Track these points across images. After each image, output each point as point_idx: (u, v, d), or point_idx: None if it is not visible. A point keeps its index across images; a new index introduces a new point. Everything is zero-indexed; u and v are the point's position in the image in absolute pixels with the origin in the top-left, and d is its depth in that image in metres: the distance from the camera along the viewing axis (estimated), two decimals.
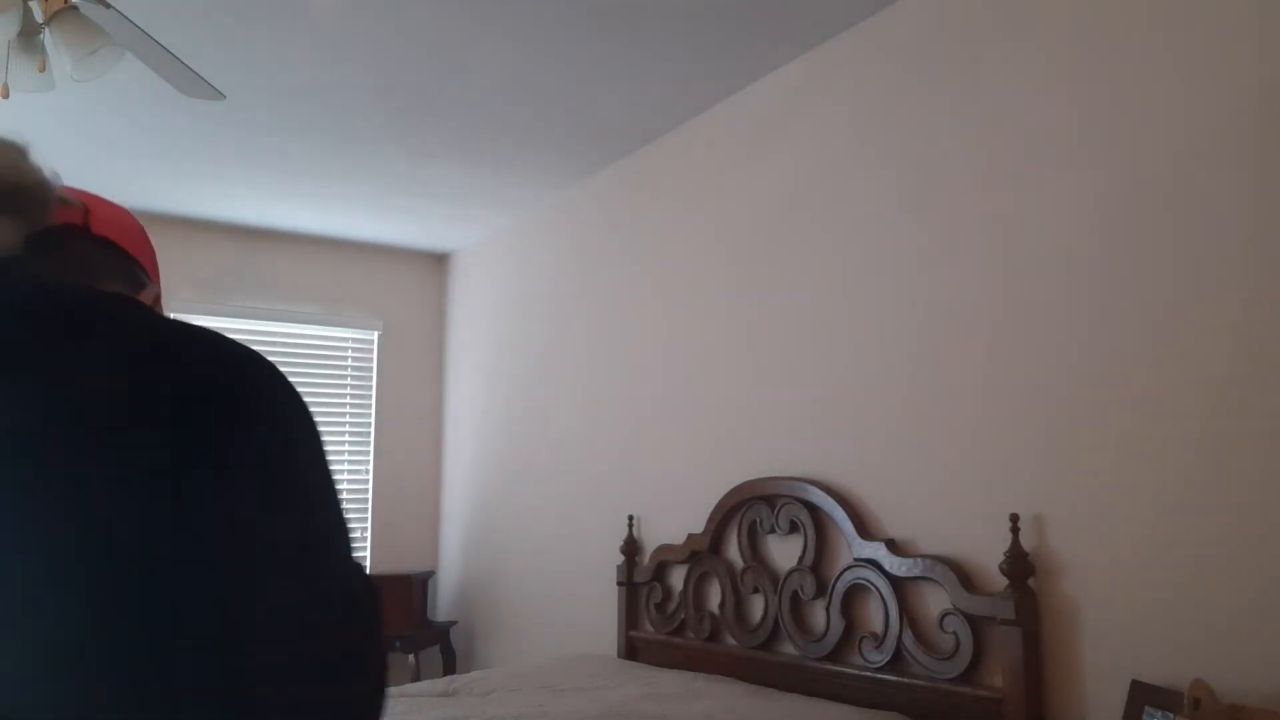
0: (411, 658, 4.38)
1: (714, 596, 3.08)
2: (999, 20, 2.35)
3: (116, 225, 0.99)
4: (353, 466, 5.07)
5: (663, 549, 3.29)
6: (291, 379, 0.90)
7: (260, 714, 0.73)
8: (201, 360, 0.82)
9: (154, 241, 1.10)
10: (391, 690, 2.88)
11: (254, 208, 4.50)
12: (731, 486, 3.01)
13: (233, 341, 0.84)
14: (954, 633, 2.24)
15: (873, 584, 2.46)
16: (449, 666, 4.53)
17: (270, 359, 0.88)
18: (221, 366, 0.83)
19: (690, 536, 3.16)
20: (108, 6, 2.04)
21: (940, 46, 2.50)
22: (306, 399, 0.89)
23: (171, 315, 1.02)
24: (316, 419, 0.88)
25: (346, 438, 5.06)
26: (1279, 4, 1.81)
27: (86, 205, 0.96)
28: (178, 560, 0.74)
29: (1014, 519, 2.11)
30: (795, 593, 2.70)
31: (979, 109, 2.38)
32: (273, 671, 0.74)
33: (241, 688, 0.72)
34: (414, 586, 4.55)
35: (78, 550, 0.74)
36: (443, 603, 5.09)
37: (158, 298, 1.03)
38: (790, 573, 2.72)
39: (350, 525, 0.83)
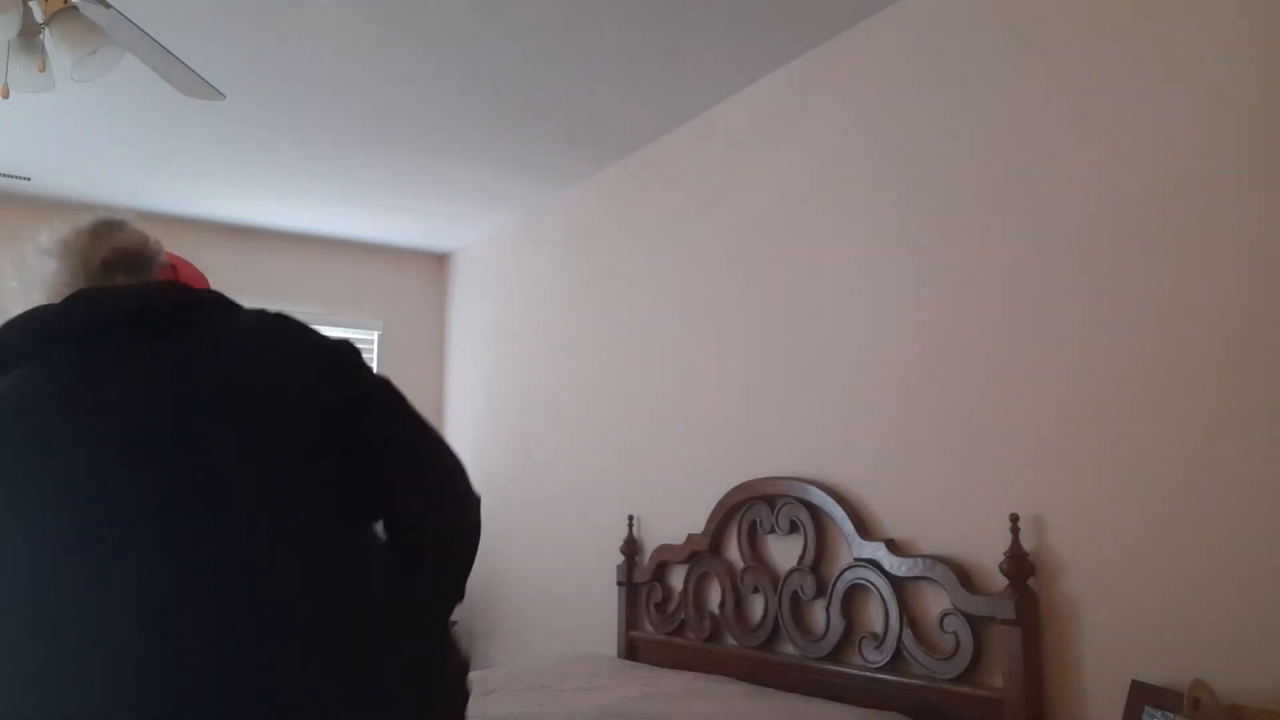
0: None
1: (714, 596, 3.08)
2: (1003, 19, 2.35)
3: (193, 277, 1.30)
4: None
5: (663, 549, 3.29)
6: None
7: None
8: (316, 337, 1.12)
9: None
10: None
11: (254, 208, 4.50)
12: (731, 486, 3.01)
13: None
14: (954, 633, 2.24)
15: (873, 584, 2.46)
16: None
17: None
18: (334, 343, 1.13)
19: (690, 536, 3.16)
20: (108, 6, 2.04)
21: (946, 43, 2.50)
22: None
23: None
24: None
25: None
26: (1274, 10, 1.81)
27: (173, 264, 1.27)
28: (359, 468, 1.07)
29: (1014, 519, 2.11)
30: (795, 593, 2.70)
31: (983, 108, 2.38)
32: (426, 511, 1.13)
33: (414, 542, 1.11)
34: None
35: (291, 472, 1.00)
36: None
37: None
38: (790, 573, 2.72)
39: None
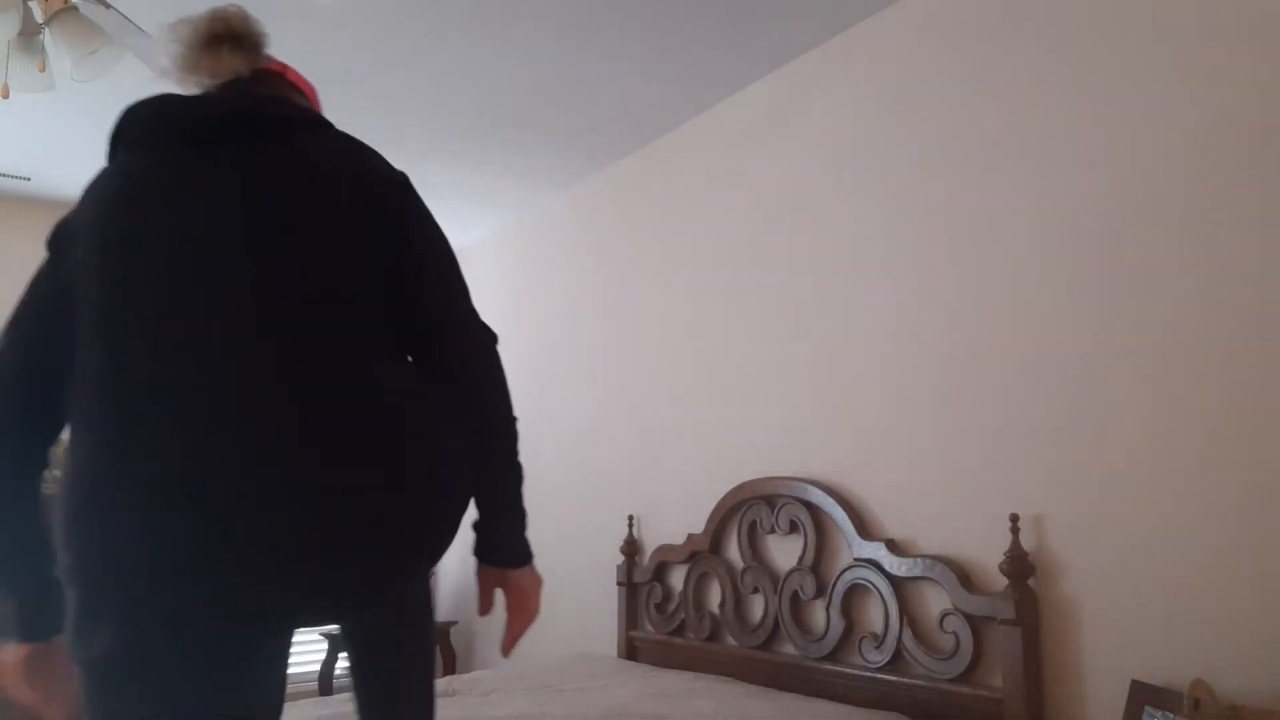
0: None
1: (714, 596, 3.08)
2: (1006, 12, 2.35)
3: (300, 78, 1.40)
4: None
5: (663, 549, 3.29)
6: None
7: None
8: (381, 164, 1.26)
9: None
10: None
11: None
12: (731, 486, 3.01)
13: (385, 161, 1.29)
14: (954, 633, 2.24)
15: (873, 584, 2.46)
16: (449, 667, 4.53)
17: None
18: (391, 171, 1.26)
19: (690, 536, 3.16)
20: (108, 6, 2.05)
21: (949, 39, 2.50)
22: None
23: None
24: None
25: None
26: (1275, 13, 1.81)
27: (284, 65, 1.38)
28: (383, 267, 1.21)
29: (1014, 519, 2.11)
30: (795, 593, 2.70)
31: (986, 106, 2.38)
32: (450, 322, 1.28)
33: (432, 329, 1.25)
34: None
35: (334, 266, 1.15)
36: (442, 603, 5.10)
37: None
38: (790, 573, 2.72)
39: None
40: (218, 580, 1.01)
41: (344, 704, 2.66)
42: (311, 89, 1.43)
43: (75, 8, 2.06)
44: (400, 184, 1.26)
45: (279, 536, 1.02)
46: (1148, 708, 1.78)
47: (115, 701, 1.03)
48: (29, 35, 2.14)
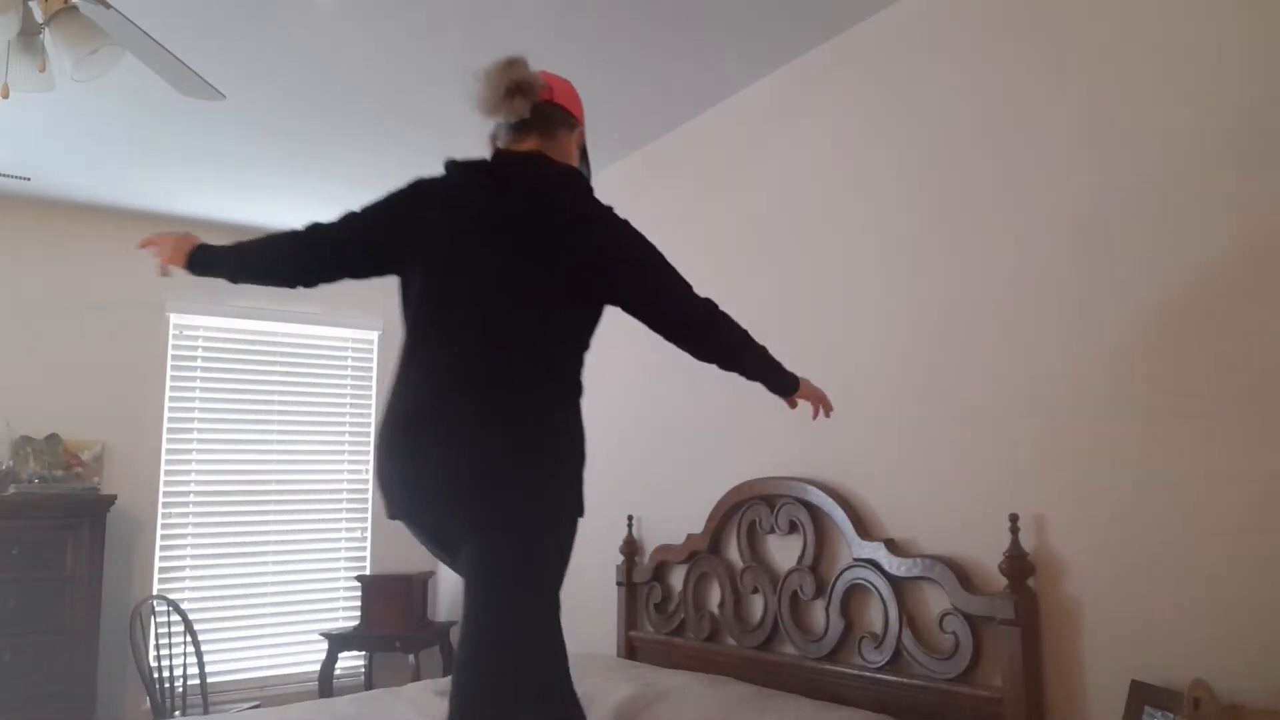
0: (411, 658, 4.38)
1: (714, 596, 3.08)
2: (1004, 13, 2.35)
3: (563, 93, 1.88)
4: (352, 467, 5.06)
5: (663, 549, 3.29)
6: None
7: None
8: (609, 233, 1.79)
9: None
10: (391, 690, 2.88)
11: (254, 208, 4.50)
12: (731, 486, 3.01)
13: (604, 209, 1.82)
14: (953, 633, 2.24)
15: (872, 584, 2.46)
16: (449, 666, 4.53)
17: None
18: (612, 239, 1.79)
19: (690, 536, 3.16)
20: (108, 6, 2.04)
21: (948, 39, 2.50)
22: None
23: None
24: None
25: (346, 438, 5.05)
26: (1271, 18, 1.81)
27: (550, 84, 1.85)
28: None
29: (1014, 519, 2.11)
30: (795, 593, 2.70)
31: (985, 106, 2.38)
32: (664, 309, 1.84)
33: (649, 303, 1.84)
34: (413, 587, 4.55)
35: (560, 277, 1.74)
36: (442, 603, 5.10)
37: (582, 132, 1.94)
38: (790, 573, 2.72)
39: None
40: (431, 470, 1.63)
41: (345, 705, 2.66)
42: (575, 102, 1.90)
43: (75, 8, 2.06)
44: (617, 244, 1.77)
45: (451, 464, 1.61)
46: (1148, 708, 1.78)
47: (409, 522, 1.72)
48: (29, 35, 2.14)
